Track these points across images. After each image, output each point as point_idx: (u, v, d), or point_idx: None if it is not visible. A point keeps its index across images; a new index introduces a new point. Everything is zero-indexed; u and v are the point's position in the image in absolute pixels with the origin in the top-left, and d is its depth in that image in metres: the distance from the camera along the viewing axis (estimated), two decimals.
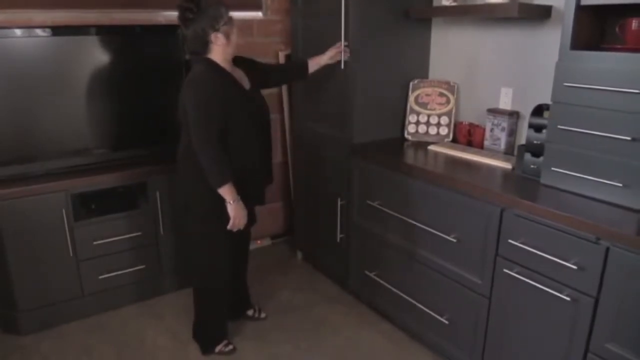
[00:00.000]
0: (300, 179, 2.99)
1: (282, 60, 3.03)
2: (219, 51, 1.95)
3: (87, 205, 2.40)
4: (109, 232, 2.47)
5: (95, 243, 2.43)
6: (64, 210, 2.32)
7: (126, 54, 2.46)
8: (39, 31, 2.23)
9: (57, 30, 2.27)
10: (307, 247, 3.06)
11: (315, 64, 2.38)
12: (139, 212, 2.53)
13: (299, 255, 3.18)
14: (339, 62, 2.37)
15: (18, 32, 2.18)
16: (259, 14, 2.94)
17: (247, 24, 2.91)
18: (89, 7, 2.44)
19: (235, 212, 1.99)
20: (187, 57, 2.03)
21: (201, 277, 2.20)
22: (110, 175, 2.43)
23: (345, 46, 2.33)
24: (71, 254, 2.39)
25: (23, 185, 2.24)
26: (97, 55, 2.38)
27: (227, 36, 1.94)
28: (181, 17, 1.90)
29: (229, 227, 2.02)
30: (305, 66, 2.38)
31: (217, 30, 1.91)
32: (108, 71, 2.42)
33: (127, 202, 2.50)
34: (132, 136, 2.57)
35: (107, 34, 2.39)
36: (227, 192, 1.94)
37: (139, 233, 2.55)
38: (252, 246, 3.29)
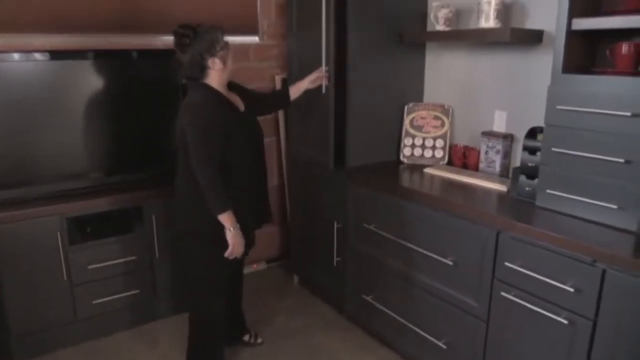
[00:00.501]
0: (296, 202, 2.98)
1: (278, 84, 3.06)
2: (216, 76, 1.96)
3: (83, 229, 2.39)
4: (104, 256, 2.45)
5: (90, 267, 2.41)
6: (59, 234, 2.31)
7: (123, 78, 2.48)
8: (37, 55, 2.25)
9: (55, 54, 2.30)
10: (304, 271, 3.04)
11: (296, 90, 2.41)
12: (135, 235, 2.52)
13: (295, 279, 3.15)
14: (321, 86, 2.40)
15: (16, 56, 2.21)
16: (255, 39, 2.99)
17: (243, 48, 2.95)
18: (87, 31, 2.47)
19: (234, 240, 1.98)
20: (184, 81, 2.02)
21: (198, 302, 2.17)
22: (106, 198, 2.42)
23: (325, 71, 2.37)
24: (65, 278, 2.36)
25: (18, 208, 2.23)
26: (94, 79, 2.40)
27: (224, 61, 1.96)
28: (178, 43, 1.92)
29: (226, 254, 2.00)
30: (286, 94, 2.42)
31: (214, 55, 1.92)
32: (105, 95, 2.44)
33: (122, 225, 2.49)
34: (128, 160, 2.58)
35: (105, 58, 2.42)
36: (226, 219, 1.93)
37: (134, 257, 2.53)
38: (248, 270, 3.26)
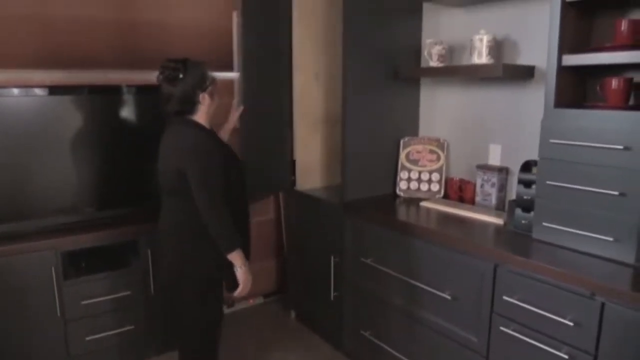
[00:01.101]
0: (292, 236, 2.97)
1: None
2: (204, 111, 1.94)
3: (77, 264, 2.36)
4: (98, 291, 2.41)
5: (83, 302, 2.37)
6: (53, 269, 2.28)
7: (119, 113, 2.50)
8: (36, 90, 2.28)
9: (54, 89, 2.32)
10: (301, 306, 3.00)
11: (226, 132, 2.35)
12: (129, 270, 2.49)
13: (292, 314, 3.11)
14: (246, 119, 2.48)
15: (15, 91, 2.23)
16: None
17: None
18: (86, 67, 2.51)
19: (245, 277, 1.92)
20: (167, 116, 1.96)
21: (193, 342, 2.10)
22: (101, 232, 2.40)
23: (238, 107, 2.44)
24: (59, 314, 2.32)
25: (13, 242, 2.21)
26: (91, 114, 2.42)
27: (212, 96, 1.95)
28: (169, 76, 1.87)
29: (236, 293, 1.94)
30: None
31: (204, 90, 1.91)
32: (101, 130, 2.46)
33: (117, 260, 2.46)
34: (124, 194, 2.58)
35: (102, 93, 2.45)
36: (237, 256, 1.89)
37: (129, 292, 2.49)
38: (244, 305, 3.22)
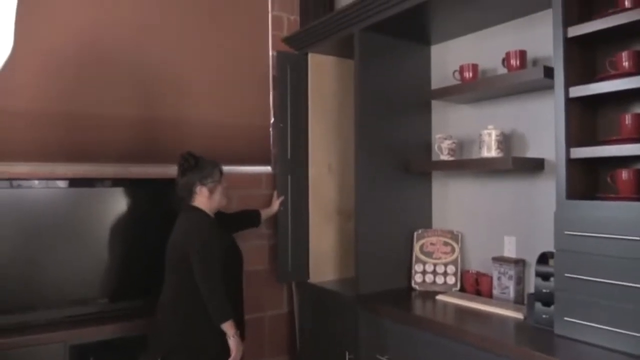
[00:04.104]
0: (306, 330, 2.87)
1: None
2: (202, 201, 2.23)
3: (86, 358, 2.29)
4: None
5: None
6: None
7: (136, 206, 2.56)
8: (57, 182, 2.37)
9: (75, 182, 2.41)
10: None
11: (266, 214, 2.77)
12: None
13: None
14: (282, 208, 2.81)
15: (35, 182, 2.32)
16: (268, 169, 3.11)
17: (256, 177, 3.06)
18: (108, 161, 2.60)
19: (237, 345, 2.11)
20: (181, 201, 2.27)
21: None
22: (112, 326, 2.36)
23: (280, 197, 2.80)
24: None
25: (21, 335, 2.17)
26: (109, 206, 2.49)
27: (211, 192, 2.24)
28: (179, 166, 2.23)
29: None
30: (258, 216, 2.72)
31: (204, 184, 2.22)
32: (117, 222, 2.50)
33: (128, 355, 2.38)
34: (137, 286, 2.55)
35: (121, 186, 2.53)
36: (230, 326, 2.09)
37: None
38: None
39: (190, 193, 2.23)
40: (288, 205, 2.85)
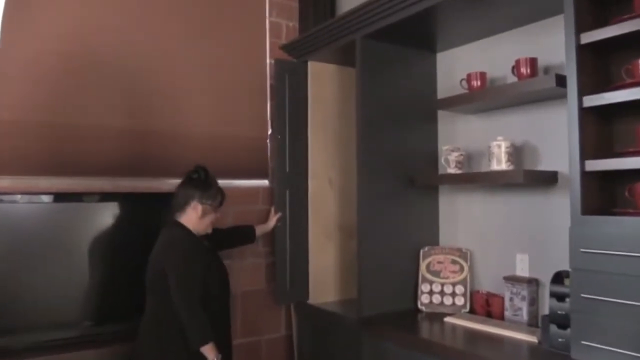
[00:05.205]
0: (305, 355, 2.85)
1: None
2: (190, 219, 2.25)
3: None
4: None
5: None
6: None
7: (126, 223, 2.56)
8: (42, 197, 2.36)
9: (59, 196, 2.40)
10: None
11: (261, 230, 2.76)
12: None
13: None
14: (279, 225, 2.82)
15: (18, 197, 2.30)
16: (265, 182, 3.10)
17: (253, 192, 3.04)
18: (95, 174, 2.58)
19: None
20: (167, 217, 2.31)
21: None
22: (96, 351, 2.36)
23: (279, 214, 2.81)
24: None
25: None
26: (95, 223, 2.49)
27: (204, 213, 2.26)
28: (189, 176, 2.28)
29: None
30: (252, 231, 2.72)
31: (201, 202, 2.24)
32: (104, 240, 2.50)
33: None
34: (123, 308, 2.53)
35: (109, 201, 2.53)
36: (210, 349, 2.08)
37: None
38: None
39: (184, 206, 2.24)
40: (286, 222, 2.84)
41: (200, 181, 2.26)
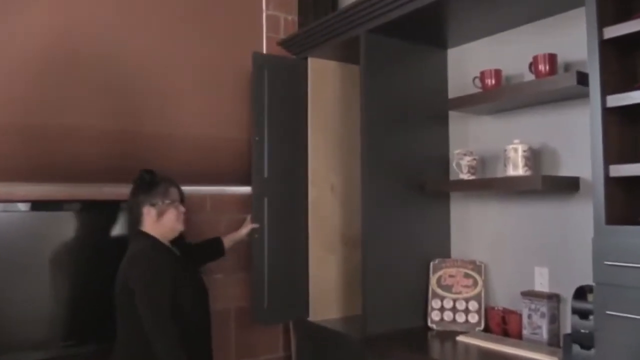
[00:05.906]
0: None
1: None
2: (149, 226, 2.21)
3: None
4: None
5: None
6: None
7: (110, 233, 2.54)
8: (18, 205, 2.33)
9: (37, 204, 2.37)
10: None
11: (230, 240, 2.66)
12: None
13: None
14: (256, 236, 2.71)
15: None
16: (248, 189, 3.04)
17: (245, 199, 2.99)
18: (76, 180, 2.55)
19: None
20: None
21: None
22: None
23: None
24: None
25: None
26: (76, 233, 2.45)
27: (160, 215, 2.22)
28: (135, 183, 2.26)
29: None
30: (220, 244, 2.63)
31: (152, 205, 2.21)
32: (86, 252, 2.46)
33: None
34: (107, 327, 2.49)
35: (92, 209, 2.51)
36: None
37: None
38: None
39: (138, 216, 2.22)
40: (265, 233, 2.74)
41: (146, 184, 2.23)
